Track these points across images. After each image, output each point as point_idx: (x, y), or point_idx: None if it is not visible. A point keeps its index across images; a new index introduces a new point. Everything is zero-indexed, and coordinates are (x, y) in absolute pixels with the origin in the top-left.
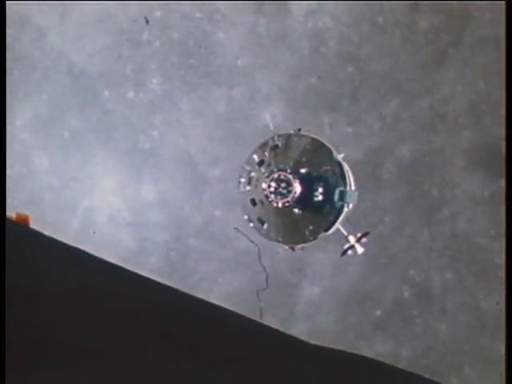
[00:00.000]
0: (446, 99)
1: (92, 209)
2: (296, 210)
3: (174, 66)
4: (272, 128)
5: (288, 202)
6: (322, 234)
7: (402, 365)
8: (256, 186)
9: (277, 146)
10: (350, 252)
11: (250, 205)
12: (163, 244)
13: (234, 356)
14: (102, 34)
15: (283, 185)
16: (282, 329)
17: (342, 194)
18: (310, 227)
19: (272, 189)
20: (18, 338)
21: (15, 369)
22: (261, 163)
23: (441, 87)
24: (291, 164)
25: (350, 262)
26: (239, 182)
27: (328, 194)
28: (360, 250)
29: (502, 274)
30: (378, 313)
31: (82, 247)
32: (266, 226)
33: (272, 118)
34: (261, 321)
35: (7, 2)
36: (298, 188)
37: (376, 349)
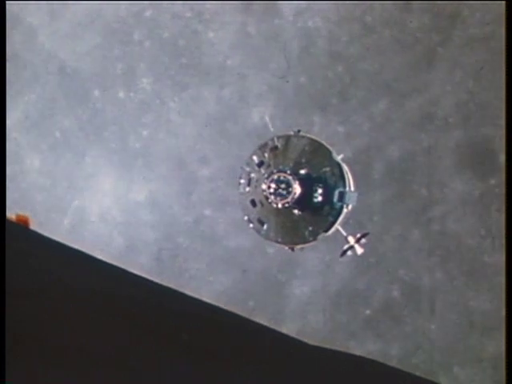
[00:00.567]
0: (435, 99)
1: (83, 208)
2: (296, 211)
3: (164, 66)
4: (271, 129)
5: (288, 202)
6: (322, 235)
7: (391, 364)
8: (256, 187)
9: (276, 147)
10: (349, 253)
11: (249, 206)
12: (153, 243)
13: (234, 357)
14: (92, 33)
15: (283, 186)
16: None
17: (342, 195)
18: (310, 228)
19: (272, 190)
20: (18, 338)
21: (15, 369)
22: (260, 164)
23: (430, 87)
24: (291, 165)
25: (340, 262)
26: (239, 183)
27: (327, 195)
28: (359, 250)
29: (492, 273)
30: (368, 312)
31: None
32: (265, 226)
33: (270, 119)
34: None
35: None
36: (297, 189)
37: (366, 348)
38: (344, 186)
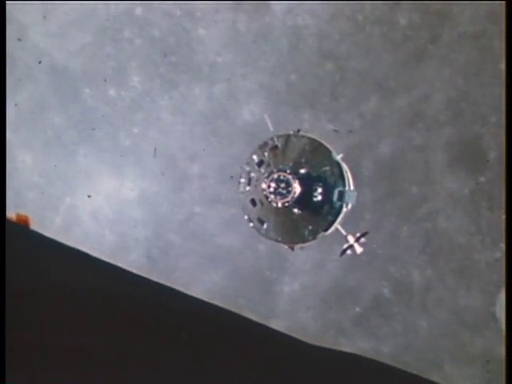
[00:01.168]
0: (425, 96)
1: (74, 206)
2: (295, 210)
3: (154, 64)
4: (271, 129)
5: (287, 202)
6: (321, 234)
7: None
8: (256, 187)
9: (276, 146)
10: (349, 252)
11: (249, 205)
12: (144, 240)
13: (234, 357)
14: (83, 31)
15: (283, 185)
16: None
17: (341, 194)
18: (310, 227)
19: (272, 189)
20: (18, 338)
21: (15, 369)
22: (260, 164)
23: (420, 84)
24: (290, 164)
25: (330, 259)
26: (239, 182)
27: (327, 194)
28: (359, 249)
29: (482, 270)
30: (358, 310)
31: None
32: (265, 225)
33: (269, 119)
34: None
35: None
36: (297, 188)
37: (356, 345)
38: (343, 186)
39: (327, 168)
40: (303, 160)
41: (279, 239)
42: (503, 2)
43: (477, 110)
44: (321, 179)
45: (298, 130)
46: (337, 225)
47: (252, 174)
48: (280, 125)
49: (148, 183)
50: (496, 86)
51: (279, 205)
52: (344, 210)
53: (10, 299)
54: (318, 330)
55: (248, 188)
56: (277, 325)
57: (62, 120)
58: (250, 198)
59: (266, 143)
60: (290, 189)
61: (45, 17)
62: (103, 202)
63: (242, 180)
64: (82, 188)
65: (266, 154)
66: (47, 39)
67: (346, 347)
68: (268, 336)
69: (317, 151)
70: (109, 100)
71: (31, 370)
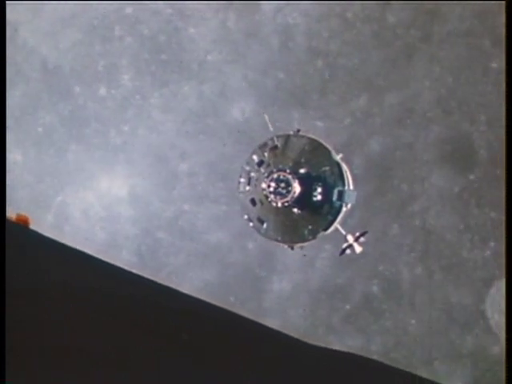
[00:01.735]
0: (414, 94)
1: (66, 204)
2: (295, 210)
3: (145, 62)
4: (271, 129)
5: (287, 201)
6: (321, 234)
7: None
8: (255, 186)
9: (276, 146)
10: (348, 251)
11: (249, 205)
12: (134, 238)
13: (234, 356)
14: (74, 30)
15: (282, 185)
16: None
17: (341, 194)
18: (309, 227)
19: (271, 189)
20: (18, 338)
21: (15, 369)
22: (260, 163)
23: (410, 82)
24: (290, 164)
25: (320, 257)
26: (239, 182)
27: (327, 194)
28: (358, 249)
29: (471, 268)
30: (348, 307)
31: None
32: (265, 225)
33: (269, 118)
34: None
35: None
36: (297, 188)
37: (346, 343)
38: (343, 185)
39: (327, 168)
40: (303, 160)
41: (279, 239)
42: (493, 2)
43: (466, 108)
44: (320, 179)
45: (298, 130)
46: (336, 224)
47: (252, 174)
48: (270, 123)
49: (138, 181)
50: (485, 84)
51: (279, 204)
52: (344, 209)
53: (10, 299)
54: (308, 328)
55: (248, 188)
56: (267, 323)
57: (53, 118)
58: (249, 197)
59: (265, 143)
60: (289, 188)
61: (35, 15)
62: (94, 199)
63: (242, 180)
64: (72, 186)
65: (265, 153)
66: (38, 37)
67: (335, 345)
68: (268, 336)
69: (316, 151)
70: (99, 98)
71: (31, 370)
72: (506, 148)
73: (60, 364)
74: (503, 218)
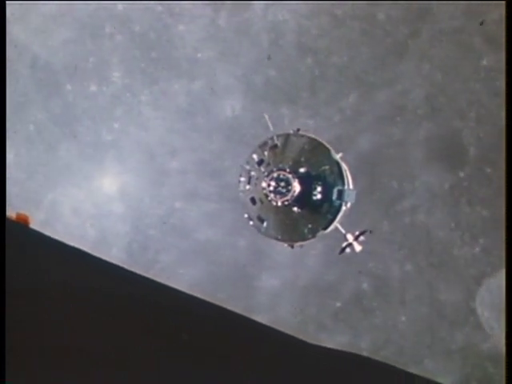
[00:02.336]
0: (404, 91)
1: (56, 201)
2: (295, 209)
3: (135, 59)
4: (271, 128)
5: (287, 200)
6: (321, 232)
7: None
8: (256, 185)
9: (276, 145)
10: (348, 250)
11: (249, 203)
12: (124, 235)
13: (233, 356)
14: (64, 27)
15: (282, 184)
16: None
17: (340, 193)
18: (309, 225)
19: (271, 188)
20: (18, 338)
21: (15, 369)
22: (260, 162)
23: (400, 79)
24: (290, 163)
25: (310, 254)
26: (239, 181)
27: (326, 193)
28: (358, 248)
29: (461, 265)
30: (338, 304)
31: None
32: (265, 224)
33: (269, 118)
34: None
35: None
36: (297, 187)
37: (336, 340)
38: (343, 184)
39: (326, 167)
40: (303, 159)
41: (279, 237)
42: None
43: (456, 106)
44: (320, 178)
45: (298, 130)
46: (336, 223)
47: (252, 173)
48: (259, 120)
49: (129, 178)
50: (475, 82)
51: (279, 203)
52: (343, 208)
53: (10, 299)
54: (298, 325)
55: (248, 187)
56: (257, 319)
57: (44, 116)
58: (249, 196)
59: (265, 142)
60: (289, 187)
61: (25, 12)
62: (84, 197)
63: (242, 179)
64: (63, 183)
65: (265, 153)
66: (28, 34)
67: (325, 342)
68: (267, 335)
69: (316, 150)
70: (90, 95)
71: (31, 370)
72: (506, 148)
73: (60, 364)
74: (493, 215)
